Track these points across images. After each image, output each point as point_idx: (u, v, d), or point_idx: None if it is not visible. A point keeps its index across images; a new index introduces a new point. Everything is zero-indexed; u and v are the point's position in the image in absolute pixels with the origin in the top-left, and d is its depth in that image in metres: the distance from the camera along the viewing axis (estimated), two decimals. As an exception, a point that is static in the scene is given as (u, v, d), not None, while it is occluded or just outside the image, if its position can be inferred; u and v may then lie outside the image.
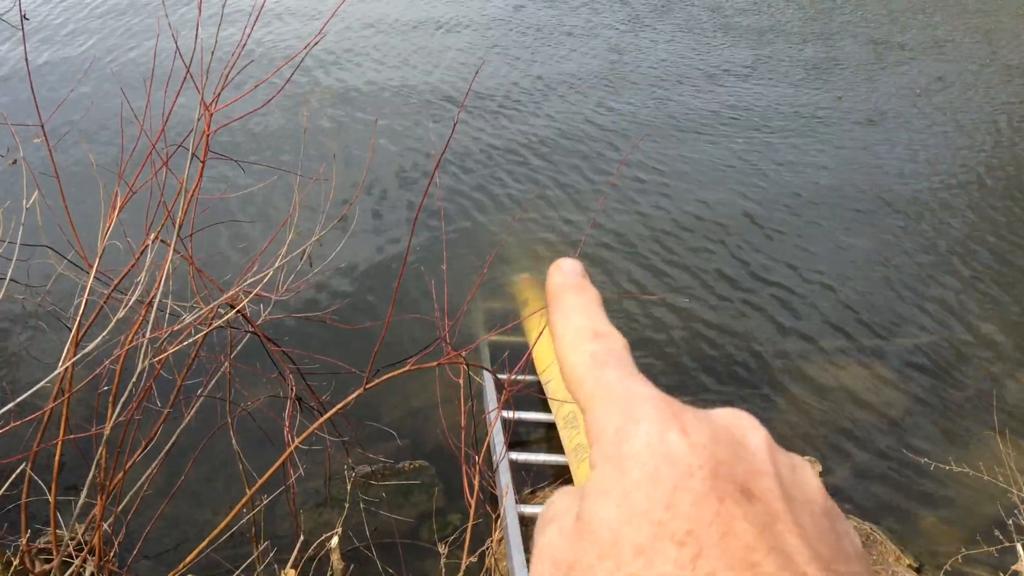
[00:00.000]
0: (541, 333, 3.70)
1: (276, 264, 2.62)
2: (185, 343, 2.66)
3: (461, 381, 3.10)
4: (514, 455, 3.72)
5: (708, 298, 5.24)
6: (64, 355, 1.91)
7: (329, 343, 4.65)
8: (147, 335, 1.87)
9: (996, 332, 4.99)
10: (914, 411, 4.45)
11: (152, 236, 2.91)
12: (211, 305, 2.11)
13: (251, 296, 2.22)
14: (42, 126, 2.18)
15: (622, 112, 7.50)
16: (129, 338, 1.96)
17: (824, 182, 6.56)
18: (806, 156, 6.94)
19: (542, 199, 6.21)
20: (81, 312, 2.61)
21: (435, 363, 2.61)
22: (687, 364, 4.74)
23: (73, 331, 2.47)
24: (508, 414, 4.18)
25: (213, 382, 3.27)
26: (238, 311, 2.83)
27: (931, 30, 9.71)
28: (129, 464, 2.52)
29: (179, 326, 2.05)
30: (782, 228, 5.99)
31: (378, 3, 9.97)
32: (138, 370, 1.94)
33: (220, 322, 2.88)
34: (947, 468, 3.77)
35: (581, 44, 9.10)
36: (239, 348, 3.23)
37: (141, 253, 2.84)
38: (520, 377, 3.58)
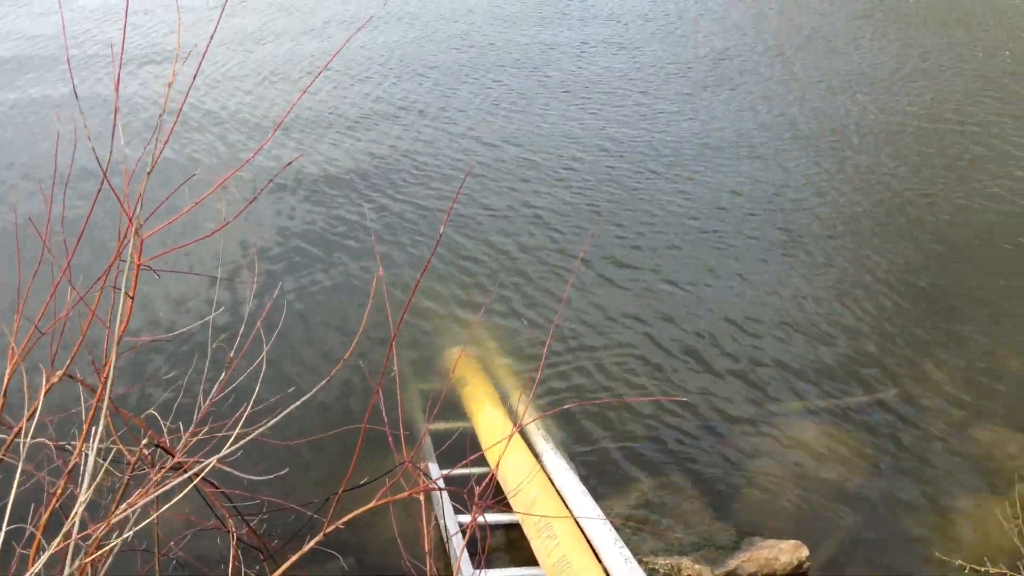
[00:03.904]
0: (511, 441, 3.40)
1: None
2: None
3: (423, 510, 2.76)
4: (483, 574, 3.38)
5: (665, 379, 5.07)
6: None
7: (259, 459, 4.19)
8: (75, 534, 1.51)
9: (948, 381, 4.92)
10: (886, 474, 4.31)
11: (58, 373, 2.52)
12: (163, 486, 1.75)
13: (206, 464, 1.87)
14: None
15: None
16: (41, 522, 1.59)
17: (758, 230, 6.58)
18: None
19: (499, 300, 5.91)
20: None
21: (406, 493, 2.31)
22: (649, 453, 4.50)
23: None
24: (465, 518, 3.82)
25: (135, 531, 2.82)
26: (188, 470, 2.45)
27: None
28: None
29: (110, 524, 1.68)
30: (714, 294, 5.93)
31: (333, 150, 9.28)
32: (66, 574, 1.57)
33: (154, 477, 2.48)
34: (937, 555, 3.64)
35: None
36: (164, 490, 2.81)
37: (46, 393, 2.44)
38: (472, 470, 3.27)
